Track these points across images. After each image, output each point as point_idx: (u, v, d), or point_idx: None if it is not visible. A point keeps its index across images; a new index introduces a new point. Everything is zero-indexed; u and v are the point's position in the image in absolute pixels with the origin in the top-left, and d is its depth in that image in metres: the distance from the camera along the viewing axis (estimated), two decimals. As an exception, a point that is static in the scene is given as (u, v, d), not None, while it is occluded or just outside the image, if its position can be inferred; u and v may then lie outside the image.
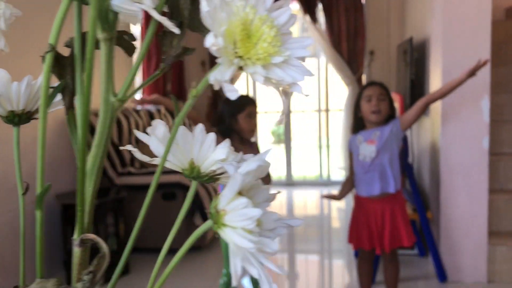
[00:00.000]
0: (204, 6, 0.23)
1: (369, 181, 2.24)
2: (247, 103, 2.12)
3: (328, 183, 5.07)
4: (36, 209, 0.25)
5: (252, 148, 2.19)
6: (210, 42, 0.23)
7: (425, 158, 3.29)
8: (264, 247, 0.25)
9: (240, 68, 0.25)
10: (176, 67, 4.65)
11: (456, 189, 2.80)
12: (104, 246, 0.28)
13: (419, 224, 3.01)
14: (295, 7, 4.82)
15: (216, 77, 0.24)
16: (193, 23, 0.24)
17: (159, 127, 0.29)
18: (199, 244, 3.36)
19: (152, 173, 3.27)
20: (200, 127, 0.31)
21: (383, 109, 2.20)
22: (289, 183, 5.30)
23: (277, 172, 5.46)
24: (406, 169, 2.85)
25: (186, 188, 3.18)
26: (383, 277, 2.46)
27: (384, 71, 4.74)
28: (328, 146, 5.14)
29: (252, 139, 2.25)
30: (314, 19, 4.66)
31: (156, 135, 0.29)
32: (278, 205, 4.92)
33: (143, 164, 3.60)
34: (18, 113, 0.30)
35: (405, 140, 2.74)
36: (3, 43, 0.30)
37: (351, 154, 2.33)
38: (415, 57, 3.44)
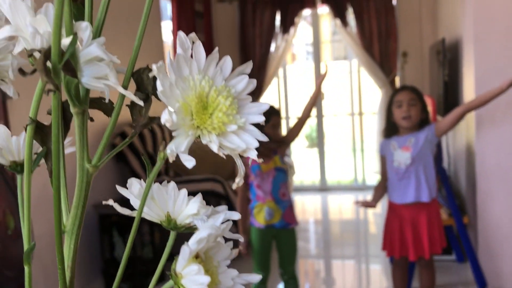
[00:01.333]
0: (158, 86, 0.25)
1: (403, 189, 2.22)
2: (272, 114, 2.17)
3: (363, 187, 5.01)
4: (24, 264, 0.28)
5: (273, 152, 2.22)
6: (164, 118, 0.25)
7: (461, 161, 3.21)
8: None
9: (198, 137, 0.27)
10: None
11: (493, 193, 2.72)
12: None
13: (456, 229, 2.94)
14: (325, 10, 4.80)
15: (172, 148, 0.26)
16: (157, 94, 0.26)
17: (134, 185, 0.31)
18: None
19: (189, 181, 3.34)
20: (172, 185, 0.33)
21: (413, 114, 2.17)
22: (323, 188, 5.27)
23: (311, 176, 5.44)
24: (441, 173, 2.79)
25: (219, 196, 3.23)
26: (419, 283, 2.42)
27: (417, 72, 4.66)
28: (362, 150, 5.09)
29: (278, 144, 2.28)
30: (344, 22, 4.63)
31: (132, 193, 0.31)
32: (312, 211, 4.91)
33: (177, 173, 3.67)
34: (20, 163, 0.33)
35: (438, 144, 2.68)
36: (12, 91, 0.33)
37: (384, 159, 2.31)
38: (448, 58, 3.37)
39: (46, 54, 0.21)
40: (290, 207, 2.21)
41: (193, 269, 0.27)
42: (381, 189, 2.37)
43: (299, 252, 3.70)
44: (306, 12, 4.92)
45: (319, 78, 2.32)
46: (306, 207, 4.99)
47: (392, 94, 2.31)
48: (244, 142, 0.26)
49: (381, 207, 4.02)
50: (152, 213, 0.32)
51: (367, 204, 2.39)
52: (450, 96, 3.35)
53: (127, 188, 0.33)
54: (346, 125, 5.29)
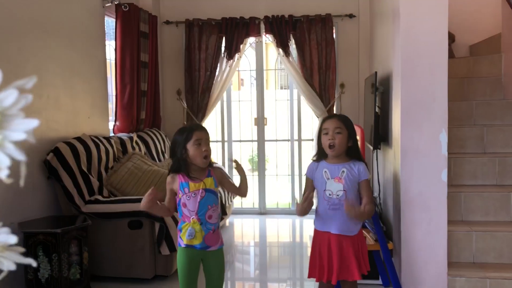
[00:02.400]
0: None
1: (331, 219, 2.28)
2: (192, 130, 2.16)
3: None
4: None
5: (209, 172, 2.22)
6: None
7: (389, 190, 3.37)
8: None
9: None
10: (151, 96, 4.70)
11: (415, 221, 2.87)
12: None
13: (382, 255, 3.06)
14: (269, 39, 4.95)
15: None
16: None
17: None
18: (165, 273, 3.35)
19: (120, 201, 3.29)
20: None
21: (338, 143, 2.26)
22: (263, 211, 5.33)
23: (251, 199, 5.49)
24: (367, 200, 2.91)
25: (152, 217, 3.19)
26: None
27: (353, 103, 4.87)
28: (300, 175, 5.20)
29: (211, 165, 2.28)
30: (286, 52, 4.78)
31: None
32: (251, 233, 4.94)
33: (112, 192, 3.61)
34: None
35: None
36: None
37: (310, 181, 2.37)
38: (381, 90, 3.56)
39: None
40: (214, 231, 2.21)
41: None
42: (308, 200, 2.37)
43: (237, 274, 3.71)
44: (252, 39, 5.05)
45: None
46: (245, 229, 5.02)
47: (321, 121, 2.40)
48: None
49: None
50: None
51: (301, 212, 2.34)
52: (380, 127, 3.53)
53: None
54: (285, 150, 5.41)
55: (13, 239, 0.31)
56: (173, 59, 5.16)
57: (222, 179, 2.31)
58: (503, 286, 2.77)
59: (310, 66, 4.76)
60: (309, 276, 2.40)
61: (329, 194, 2.27)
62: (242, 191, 2.33)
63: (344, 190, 2.25)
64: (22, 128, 0.26)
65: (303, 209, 2.25)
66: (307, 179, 2.41)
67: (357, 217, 2.22)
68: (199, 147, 2.13)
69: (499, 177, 3.40)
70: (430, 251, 2.85)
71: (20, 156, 0.27)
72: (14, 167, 0.32)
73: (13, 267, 0.32)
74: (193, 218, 2.14)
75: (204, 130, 2.21)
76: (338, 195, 2.26)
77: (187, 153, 2.13)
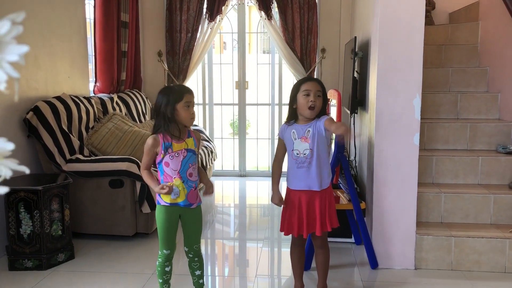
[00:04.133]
0: None
1: (299, 176, 2.37)
2: (184, 92, 2.21)
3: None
4: None
5: (189, 133, 2.28)
6: None
7: (364, 152, 3.47)
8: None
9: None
10: (131, 57, 4.67)
11: (387, 182, 2.99)
12: None
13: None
14: (252, 2, 4.92)
15: None
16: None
17: None
18: (146, 230, 3.44)
19: (101, 160, 3.33)
20: None
21: (318, 105, 2.33)
22: (243, 174, 5.43)
23: (231, 162, 5.58)
24: (342, 162, 3.01)
25: (133, 176, 3.26)
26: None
27: (334, 68, 4.92)
28: (280, 139, 5.28)
29: (191, 127, 2.35)
30: (269, 15, 4.77)
31: None
32: (231, 195, 5.05)
33: (92, 152, 3.64)
34: None
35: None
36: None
37: (281, 141, 2.45)
38: (360, 55, 3.61)
39: None
40: (195, 188, 2.29)
41: None
42: (277, 171, 2.49)
43: (217, 234, 3.83)
44: (234, 1, 5.01)
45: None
46: (225, 191, 5.13)
47: (299, 82, 2.43)
48: None
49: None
50: None
51: (278, 200, 2.44)
52: (358, 91, 3.60)
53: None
54: (266, 114, 5.47)
55: (11, 146, 0.37)
56: (154, 20, 5.10)
57: (199, 139, 2.37)
58: (466, 243, 2.94)
59: (292, 30, 4.77)
60: (281, 230, 2.50)
61: (297, 154, 2.36)
62: (200, 171, 2.38)
63: (310, 149, 2.33)
64: (16, 51, 0.32)
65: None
66: (279, 139, 2.49)
67: (341, 128, 2.24)
68: (188, 109, 2.18)
69: (470, 142, 3.54)
70: (401, 211, 2.99)
71: (15, 74, 0.32)
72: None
73: (10, 173, 0.38)
74: (175, 177, 2.21)
75: (192, 93, 2.27)
76: (305, 154, 2.34)
77: (176, 113, 2.17)
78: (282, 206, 2.48)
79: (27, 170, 0.39)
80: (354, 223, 3.30)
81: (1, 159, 0.35)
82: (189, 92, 2.23)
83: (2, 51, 0.31)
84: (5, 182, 2.19)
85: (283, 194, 2.49)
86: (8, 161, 0.36)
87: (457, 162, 3.34)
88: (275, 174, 2.50)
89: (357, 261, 3.13)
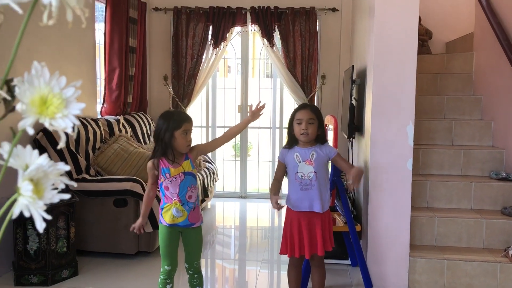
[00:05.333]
0: (16, 90, 0.46)
1: (302, 198, 2.50)
2: (183, 120, 2.34)
3: (280, 196, 5.32)
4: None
5: (187, 155, 2.40)
6: (18, 107, 0.46)
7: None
8: (39, 204, 0.48)
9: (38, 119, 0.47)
10: (138, 81, 4.85)
11: (382, 205, 3.09)
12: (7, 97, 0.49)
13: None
14: (255, 29, 5.11)
15: (21, 124, 0.46)
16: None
17: (5, 146, 0.50)
18: (148, 249, 3.54)
19: (106, 180, 3.46)
20: (28, 147, 0.52)
21: (311, 132, 2.47)
22: (243, 195, 5.53)
23: (233, 184, 5.69)
24: (338, 184, 3.12)
25: (137, 195, 3.38)
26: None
27: (333, 93, 5.07)
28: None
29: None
30: (271, 42, 4.95)
31: (4, 151, 0.50)
32: (232, 216, 5.15)
33: (98, 172, 3.77)
34: None
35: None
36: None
37: (282, 165, 2.58)
38: (358, 83, 3.76)
39: None
40: (195, 209, 2.41)
41: (25, 183, 0.48)
42: (276, 186, 2.61)
43: (216, 254, 3.92)
44: (238, 29, 5.21)
45: (255, 110, 2.55)
46: (226, 212, 5.23)
47: (294, 111, 2.59)
48: (65, 123, 0.47)
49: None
50: (17, 164, 0.51)
51: (277, 206, 2.57)
52: (356, 117, 3.74)
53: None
54: (267, 137, 5.61)
55: (68, 167, 0.50)
56: (160, 45, 5.29)
57: (197, 156, 2.48)
58: (458, 267, 3.02)
59: (294, 57, 4.94)
60: (281, 252, 2.61)
61: (301, 176, 2.49)
62: (231, 130, 2.52)
63: (314, 171, 2.47)
64: (77, 107, 0.45)
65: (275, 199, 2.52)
66: (279, 162, 2.62)
67: (359, 175, 2.48)
68: (186, 136, 2.32)
69: (464, 168, 3.64)
70: (394, 234, 3.08)
71: (77, 122, 0.45)
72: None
73: (63, 186, 0.50)
74: (175, 200, 2.33)
75: (191, 121, 2.40)
76: (309, 176, 2.47)
77: (173, 139, 2.30)
78: (283, 228, 2.59)
79: (75, 184, 0.52)
80: (350, 245, 3.39)
81: (58, 176, 0.48)
82: (187, 120, 2.36)
83: (68, 107, 0.44)
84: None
85: (283, 215, 2.60)
86: (62, 177, 0.49)
87: (451, 187, 3.44)
88: (274, 187, 2.60)
89: (353, 282, 3.21)
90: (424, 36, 4.89)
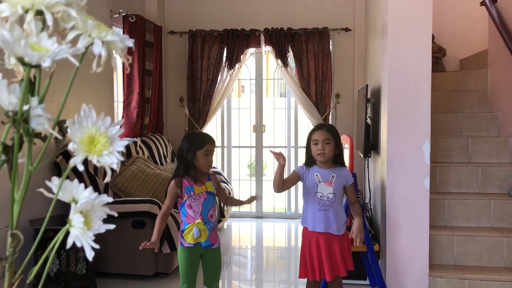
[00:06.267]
0: (68, 131, 0.49)
1: (319, 218, 2.50)
2: (206, 142, 2.41)
3: (295, 216, 5.32)
4: None
5: (209, 176, 2.47)
6: (70, 146, 0.50)
7: (378, 195, 3.57)
8: (89, 234, 0.51)
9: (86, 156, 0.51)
10: (154, 103, 4.93)
11: (400, 225, 3.07)
12: (20, 235, 0.53)
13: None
14: (269, 50, 5.17)
15: (73, 161, 0.50)
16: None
17: (54, 180, 0.54)
18: (166, 270, 3.56)
19: (125, 202, 3.50)
20: (75, 181, 0.56)
21: (327, 152, 2.49)
22: (259, 215, 5.53)
23: (248, 204, 5.69)
24: (355, 204, 3.11)
25: (155, 216, 3.40)
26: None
27: (348, 112, 5.09)
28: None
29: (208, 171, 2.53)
30: (285, 63, 5.01)
31: (54, 185, 0.54)
32: (248, 236, 5.14)
33: (116, 194, 3.82)
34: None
35: (354, 177, 3.01)
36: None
37: (297, 176, 2.56)
38: (373, 102, 3.78)
39: (15, 114, 0.45)
40: (214, 229, 2.44)
41: (76, 216, 0.51)
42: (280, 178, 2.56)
43: (233, 275, 3.91)
44: (252, 50, 5.28)
45: (251, 199, 2.76)
46: (242, 232, 5.22)
47: (311, 131, 2.61)
48: (111, 160, 0.50)
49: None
50: (65, 197, 0.55)
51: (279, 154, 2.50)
52: (371, 136, 3.74)
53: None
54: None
55: (110, 199, 0.53)
56: (176, 68, 5.39)
57: (218, 184, 2.54)
58: (480, 287, 2.97)
59: (307, 77, 4.98)
60: (300, 276, 2.59)
61: (320, 196, 2.50)
62: (229, 201, 2.59)
63: (333, 193, 2.48)
64: (121, 144, 0.48)
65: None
66: (294, 172, 2.60)
67: (360, 230, 2.56)
68: (207, 157, 2.38)
69: (482, 186, 3.61)
70: (413, 253, 3.05)
71: (121, 158, 0.49)
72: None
73: (105, 216, 0.53)
74: (197, 219, 2.37)
75: (214, 143, 2.50)
76: (328, 197, 2.48)
77: (195, 159, 2.37)
78: (300, 250, 2.60)
79: (115, 214, 0.56)
80: (369, 265, 3.36)
81: (100, 208, 0.51)
82: (210, 142, 2.43)
83: (113, 145, 0.47)
84: (35, 222, 2.36)
85: (299, 234, 2.60)
86: (104, 207, 0.52)
87: (469, 205, 3.40)
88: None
89: (372, 303, 3.17)
90: (438, 54, 4.90)
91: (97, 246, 0.52)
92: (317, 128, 2.61)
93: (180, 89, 5.35)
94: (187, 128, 5.24)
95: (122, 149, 0.51)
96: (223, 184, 4.88)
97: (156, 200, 3.56)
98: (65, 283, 3.02)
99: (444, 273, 3.07)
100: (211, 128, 5.49)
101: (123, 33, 4.47)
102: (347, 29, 5.03)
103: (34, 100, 0.47)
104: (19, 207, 0.49)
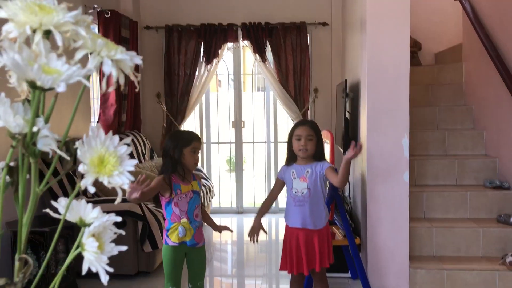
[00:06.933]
0: (78, 153, 0.48)
1: (296, 214, 2.52)
2: (192, 139, 2.39)
3: (276, 210, 5.34)
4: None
5: (194, 176, 2.45)
6: (80, 168, 0.48)
7: (358, 189, 3.62)
8: (103, 258, 0.50)
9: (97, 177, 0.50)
10: (131, 99, 4.86)
11: (380, 218, 3.12)
12: (29, 259, 0.52)
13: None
14: (246, 45, 5.16)
15: (84, 183, 0.49)
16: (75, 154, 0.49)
17: (62, 201, 0.53)
18: (148, 269, 3.53)
19: (105, 201, 3.45)
20: (83, 201, 0.55)
21: (310, 148, 2.50)
22: (240, 211, 5.54)
23: (229, 199, 5.69)
24: (336, 200, 3.15)
25: (136, 215, 3.37)
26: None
27: (326, 107, 5.12)
28: (276, 176, 5.43)
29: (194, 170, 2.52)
30: (263, 58, 5.00)
31: (60, 205, 0.53)
32: (229, 232, 5.13)
33: (96, 193, 3.76)
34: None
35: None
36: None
37: (279, 182, 2.60)
38: (351, 96, 3.81)
39: (24, 136, 0.43)
40: (199, 228, 2.43)
41: (90, 240, 0.50)
42: (266, 206, 2.67)
43: (214, 271, 3.91)
44: (230, 45, 5.25)
45: (222, 228, 2.62)
46: (222, 229, 5.21)
47: (293, 127, 2.62)
48: (121, 180, 0.49)
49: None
50: (71, 217, 0.54)
51: (256, 232, 2.60)
52: (350, 130, 3.77)
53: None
54: (262, 152, 5.63)
55: (119, 218, 0.52)
56: (153, 63, 5.31)
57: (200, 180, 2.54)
58: (458, 276, 3.05)
59: (286, 72, 4.99)
60: (281, 269, 2.62)
61: (295, 192, 2.52)
62: (203, 213, 2.57)
63: (308, 188, 2.49)
64: (131, 164, 0.47)
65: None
66: (277, 179, 2.65)
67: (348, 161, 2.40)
68: (194, 154, 2.37)
69: (458, 178, 3.69)
70: (394, 245, 3.11)
71: (132, 178, 0.47)
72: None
73: (114, 237, 0.52)
74: (183, 218, 2.35)
75: (200, 140, 2.49)
76: (303, 193, 2.50)
77: (183, 156, 2.35)
78: (282, 244, 2.61)
79: (123, 232, 0.55)
80: (350, 258, 3.41)
81: (111, 226, 0.50)
82: (197, 139, 2.42)
83: (122, 164, 0.46)
84: (13, 224, 2.29)
85: (280, 228, 2.62)
86: (113, 227, 0.51)
87: (447, 197, 3.48)
88: (263, 207, 2.66)
89: (354, 295, 3.22)
90: (414, 48, 4.97)
91: (111, 270, 0.51)
92: (300, 123, 2.63)
93: (157, 85, 5.29)
94: (165, 125, 5.19)
95: (132, 168, 0.50)
96: (203, 181, 4.87)
97: (137, 198, 3.51)
98: (45, 286, 2.96)
99: (424, 264, 3.14)
100: (190, 124, 5.45)
101: (98, 29, 4.39)
102: (324, 24, 5.05)
103: (40, 121, 0.45)
104: (27, 230, 0.47)
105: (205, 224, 2.59)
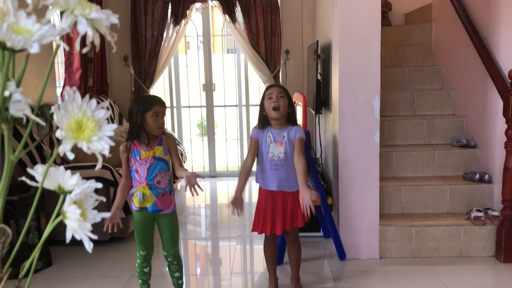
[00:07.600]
0: (54, 117, 0.45)
1: (272, 178, 2.54)
2: (154, 103, 2.34)
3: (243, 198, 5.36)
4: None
5: (161, 141, 2.39)
6: (58, 134, 0.46)
7: (330, 150, 3.66)
8: (86, 226, 0.49)
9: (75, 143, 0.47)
10: (98, 62, 4.71)
11: (351, 178, 3.18)
12: (7, 229, 0.49)
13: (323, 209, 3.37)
14: (215, 4, 5.03)
15: (62, 149, 0.46)
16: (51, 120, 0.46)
17: (39, 168, 0.50)
18: (121, 234, 3.52)
19: (73, 168, 3.38)
20: (61, 168, 0.53)
21: (282, 105, 2.49)
22: (213, 174, 5.55)
23: (201, 163, 5.68)
24: (309, 160, 3.18)
25: (107, 182, 3.33)
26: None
27: (298, 69, 5.10)
28: (248, 139, 5.43)
29: (163, 134, 2.45)
30: (233, 19, 4.90)
31: (37, 172, 0.51)
32: (202, 196, 5.15)
33: (64, 160, 3.68)
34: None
35: (307, 134, 3.05)
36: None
37: (255, 141, 2.57)
38: (323, 58, 3.79)
39: None
40: (164, 195, 2.39)
41: (72, 207, 0.48)
42: (245, 172, 2.61)
43: (189, 234, 3.94)
44: (198, 5, 5.11)
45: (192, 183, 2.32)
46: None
47: (265, 89, 2.62)
48: (101, 146, 0.47)
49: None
50: (49, 184, 0.51)
51: (238, 204, 2.55)
52: (322, 92, 3.78)
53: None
54: (233, 115, 5.60)
55: (99, 184, 0.50)
56: (118, 25, 5.12)
57: (171, 149, 2.45)
58: (425, 232, 3.16)
59: (256, 33, 4.91)
60: (253, 230, 2.65)
61: (272, 156, 2.52)
62: (178, 170, 2.43)
63: (285, 153, 2.50)
64: (110, 128, 0.45)
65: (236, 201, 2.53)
66: (251, 139, 2.61)
67: (307, 189, 2.39)
68: (157, 118, 2.31)
69: (427, 137, 3.78)
70: (365, 204, 3.19)
71: (112, 143, 0.45)
72: None
73: (96, 203, 0.50)
74: (143, 183, 2.33)
75: (163, 104, 2.39)
76: (279, 157, 2.51)
77: (144, 121, 2.30)
78: (257, 205, 2.63)
79: (103, 199, 0.53)
80: (322, 218, 3.48)
81: (92, 194, 0.49)
82: (159, 103, 2.36)
83: (101, 129, 0.44)
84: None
85: (253, 191, 2.63)
86: (94, 194, 0.49)
87: (416, 156, 3.57)
88: (242, 179, 2.61)
89: (326, 253, 3.31)
90: (384, 8, 4.96)
91: (95, 237, 0.50)
92: (270, 86, 2.64)
93: (124, 48, 5.13)
94: (133, 89, 5.07)
95: (112, 133, 0.48)
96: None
97: (107, 164, 3.46)
98: (19, 254, 2.92)
99: (393, 221, 3.24)
100: (159, 88, 5.35)
101: (60, -12, 4.18)
102: (294, -17, 4.96)
103: (12, 85, 0.42)
104: (3, 199, 0.45)
105: (176, 187, 2.57)
